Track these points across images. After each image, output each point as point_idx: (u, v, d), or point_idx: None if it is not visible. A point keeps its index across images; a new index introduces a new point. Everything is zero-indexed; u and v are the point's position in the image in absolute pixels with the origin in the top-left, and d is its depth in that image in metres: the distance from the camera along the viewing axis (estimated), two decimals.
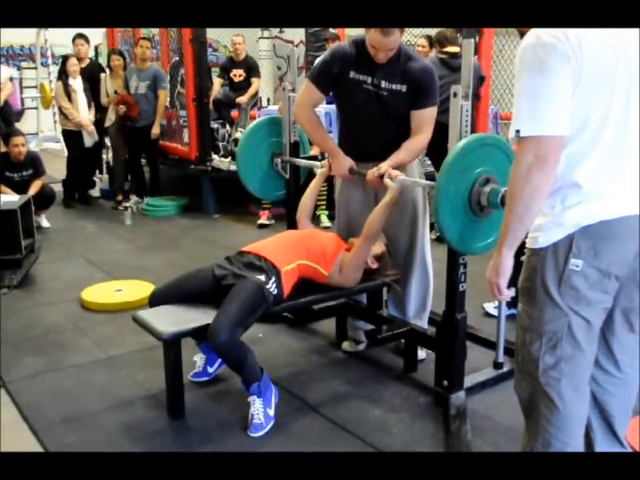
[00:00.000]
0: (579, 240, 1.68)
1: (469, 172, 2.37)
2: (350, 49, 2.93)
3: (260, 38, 9.88)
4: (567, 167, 1.69)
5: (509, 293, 1.85)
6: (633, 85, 1.69)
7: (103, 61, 8.22)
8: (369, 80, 2.91)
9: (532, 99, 1.64)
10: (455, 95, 2.53)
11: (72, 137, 6.72)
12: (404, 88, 2.87)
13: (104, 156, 7.54)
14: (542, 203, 1.69)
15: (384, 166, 2.84)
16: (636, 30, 1.70)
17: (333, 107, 6.96)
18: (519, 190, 1.68)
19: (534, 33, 1.66)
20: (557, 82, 1.62)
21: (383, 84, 2.90)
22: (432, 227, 3.16)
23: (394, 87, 2.89)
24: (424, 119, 2.90)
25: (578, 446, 1.88)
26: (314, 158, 3.64)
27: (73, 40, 6.90)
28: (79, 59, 6.78)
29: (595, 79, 1.64)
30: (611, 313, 1.88)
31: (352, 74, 2.93)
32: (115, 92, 6.67)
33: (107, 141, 7.05)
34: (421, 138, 2.91)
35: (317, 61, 3.16)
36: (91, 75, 6.78)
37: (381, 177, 2.84)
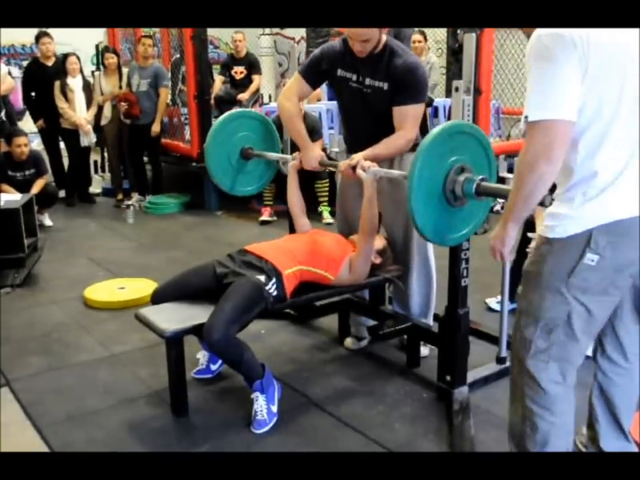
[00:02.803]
0: (598, 235, 1.69)
1: (444, 159, 2.29)
2: (339, 47, 2.95)
3: (261, 35, 9.88)
4: (585, 156, 1.70)
5: (510, 258, 1.97)
6: None
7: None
8: (354, 77, 2.92)
9: (539, 86, 1.66)
10: (457, 89, 2.53)
11: (68, 135, 6.73)
12: (386, 85, 2.85)
13: (106, 154, 7.56)
14: (547, 188, 1.71)
15: (357, 157, 2.82)
16: None
17: (335, 102, 6.99)
18: (525, 176, 1.70)
19: (540, 30, 1.68)
20: (562, 68, 1.63)
21: (367, 81, 2.89)
22: None
23: (377, 84, 2.87)
24: (404, 116, 2.85)
25: (566, 424, 1.90)
26: None
27: (37, 39, 6.71)
28: (46, 57, 6.71)
29: (604, 67, 1.64)
30: (620, 304, 1.89)
31: (339, 72, 2.95)
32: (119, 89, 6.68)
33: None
34: (402, 134, 2.85)
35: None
36: (58, 74, 6.63)
37: (354, 168, 2.82)
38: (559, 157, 1.66)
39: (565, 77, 1.63)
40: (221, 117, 3.53)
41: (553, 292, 1.76)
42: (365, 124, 2.99)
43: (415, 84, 2.84)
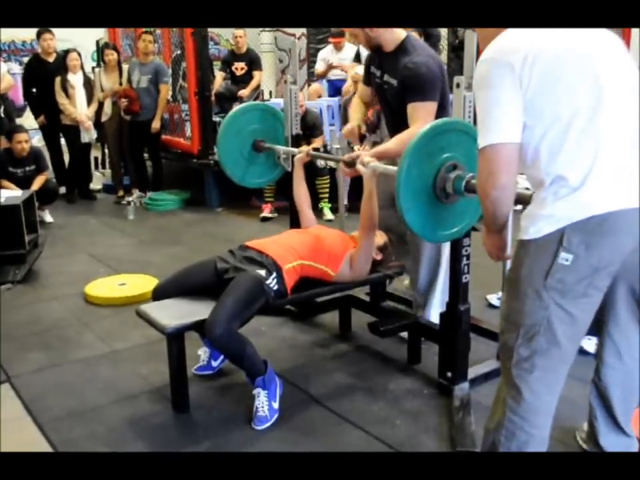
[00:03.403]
0: (570, 234, 1.68)
1: (435, 156, 2.29)
2: None
3: (262, 31, 9.87)
4: (548, 161, 1.71)
5: (509, 257, 1.96)
6: (605, 80, 1.69)
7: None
8: (378, 74, 3.10)
9: (480, 114, 1.72)
10: (458, 85, 2.53)
11: (69, 132, 6.72)
12: (395, 82, 2.96)
13: (106, 150, 7.56)
14: (509, 205, 1.78)
15: (360, 152, 2.93)
16: (602, 31, 1.75)
17: (336, 99, 6.99)
18: (482, 200, 1.78)
19: (483, 54, 1.74)
20: (499, 92, 1.68)
21: (385, 77, 3.03)
22: None
23: (391, 80, 2.98)
24: (413, 112, 2.89)
25: (543, 437, 1.88)
26: (316, 150, 3.65)
27: (38, 35, 6.68)
28: (47, 54, 6.70)
29: (555, 77, 1.66)
30: (615, 305, 1.88)
31: (372, 69, 3.18)
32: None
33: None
34: (410, 130, 2.85)
35: None
36: (59, 70, 6.61)
37: (352, 164, 2.88)
38: (506, 182, 1.71)
39: (503, 100, 1.67)
40: (235, 108, 3.60)
41: (532, 296, 1.74)
42: (391, 116, 3.17)
43: (419, 82, 2.86)
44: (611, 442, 2.09)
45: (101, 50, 7.29)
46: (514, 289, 1.80)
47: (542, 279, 1.72)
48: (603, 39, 1.75)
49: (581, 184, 1.67)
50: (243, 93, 7.18)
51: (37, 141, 7.28)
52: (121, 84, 6.70)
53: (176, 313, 2.67)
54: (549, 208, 1.70)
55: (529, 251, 1.74)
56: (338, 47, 7.32)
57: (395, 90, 2.97)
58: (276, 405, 2.66)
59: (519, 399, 1.82)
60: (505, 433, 1.86)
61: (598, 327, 1.93)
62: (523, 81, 1.65)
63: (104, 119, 6.80)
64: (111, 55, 6.76)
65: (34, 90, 6.82)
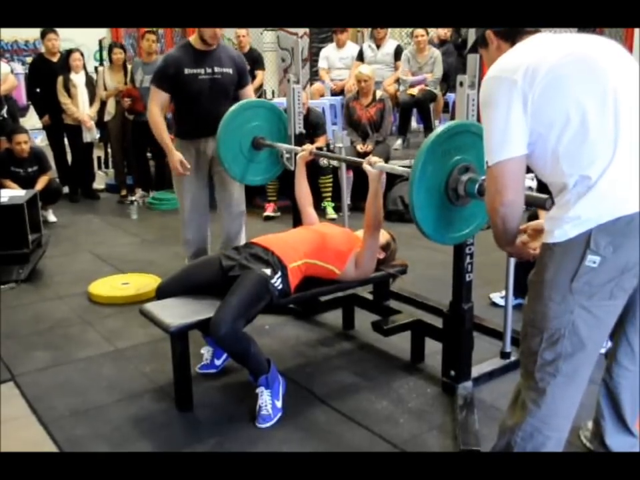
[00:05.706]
0: (597, 236, 1.66)
1: (449, 156, 2.28)
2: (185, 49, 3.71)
3: (264, 30, 9.85)
4: (569, 163, 1.70)
5: (535, 253, 1.95)
6: (611, 79, 1.69)
7: (106, 54, 8.19)
8: (203, 70, 3.62)
9: (487, 132, 1.75)
10: (461, 84, 2.53)
11: (71, 131, 6.73)
12: (231, 70, 3.68)
13: (109, 150, 7.56)
14: (517, 220, 1.81)
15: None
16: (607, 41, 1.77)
17: (338, 98, 6.99)
18: (491, 217, 1.82)
19: (487, 73, 1.76)
20: (502, 111, 1.69)
21: (217, 69, 3.64)
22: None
23: (225, 70, 3.67)
24: (249, 93, 3.87)
25: (561, 440, 1.87)
26: (319, 149, 3.64)
27: (43, 35, 6.68)
28: (51, 54, 6.70)
29: (561, 85, 1.67)
30: (634, 307, 1.87)
31: (187, 71, 3.63)
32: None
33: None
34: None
35: None
36: (64, 70, 6.60)
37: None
38: (512, 198, 1.74)
39: (508, 118, 1.69)
40: (235, 105, 3.55)
41: (557, 300, 1.73)
42: (223, 106, 3.58)
43: (246, 69, 3.79)
44: (616, 442, 2.09)
45: (109, 49, 7.29)
46: (537, 293, 1.77)
47: (568, 282, 1.70)
48: (602, 42, 1.76)
49: (599, 177, 1.66)
50: None
51: (40, 140, 7.28)
52: (126, 83, 6.71)
53: (180, 311, 2.67)
54: (574, 209, 1.68)
55: (554, 254, 1.72)
56: (340, 44, 7.31)
57: (232, 77, 3.65)
58: (279, 404, 2.66)
59: (540, 403, 1.81)
60: (522, 434, 1.84)
61: (613, 328, 1.91)
62: (527, 94, 1.66)
63: (107, 118, 6.81)
64: (119, 54, 6.77)
65: (38, 90, 6.83)
